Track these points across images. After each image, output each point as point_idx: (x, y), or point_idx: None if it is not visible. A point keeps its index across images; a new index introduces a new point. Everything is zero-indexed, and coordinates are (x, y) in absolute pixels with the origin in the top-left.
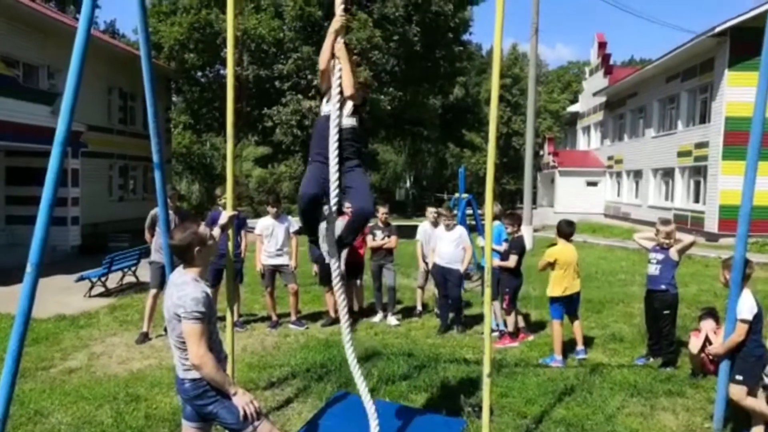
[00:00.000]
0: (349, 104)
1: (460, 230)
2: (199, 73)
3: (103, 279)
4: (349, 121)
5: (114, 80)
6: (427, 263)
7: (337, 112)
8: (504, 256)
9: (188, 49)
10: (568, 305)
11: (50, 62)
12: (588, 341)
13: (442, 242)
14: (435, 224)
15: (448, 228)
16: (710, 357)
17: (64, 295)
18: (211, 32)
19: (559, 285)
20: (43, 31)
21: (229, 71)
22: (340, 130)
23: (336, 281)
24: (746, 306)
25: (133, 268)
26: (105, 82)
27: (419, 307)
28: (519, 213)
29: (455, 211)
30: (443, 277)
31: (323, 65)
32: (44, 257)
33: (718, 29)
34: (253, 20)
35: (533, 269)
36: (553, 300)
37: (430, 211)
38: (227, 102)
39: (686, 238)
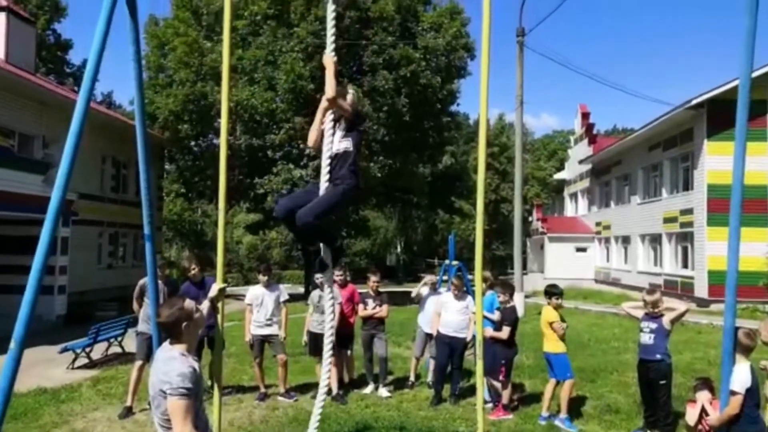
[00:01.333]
0: (342, 125)
1: (469, 299)
2: (193, 143)
3: (87, 350)
4: (341, 145)
5: (108, 149)
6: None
7: (330, 137)
8: (497, 326)
9: (182, 119)
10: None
11: (46, 132)
12: (583, 412)
13: (449, 311)
14: (434, 289)
15: (458, 297)
16: (708, 429)
17: (46, 366)
18: (206, 104)
19: None
20: (40, 102)
21: (222, 142)
22: (334, 155)
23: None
24: (739, 378)
25: (119, 338)
26: (99, 151)
27: (412, 378)
28: (511, 281)
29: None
30: (449, 346)
31: (312, 143)
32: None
33: (694, 101)
34: (247, 92)
35: (526, 337)
36: None
37: (430, 278)
38: (220, 172)
39: (679, 307)
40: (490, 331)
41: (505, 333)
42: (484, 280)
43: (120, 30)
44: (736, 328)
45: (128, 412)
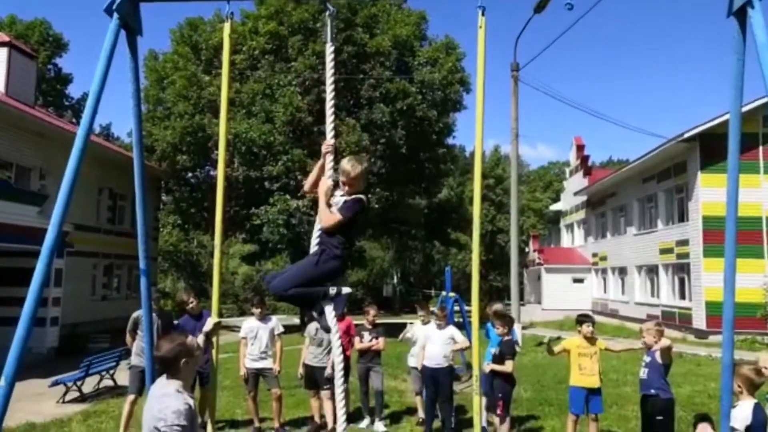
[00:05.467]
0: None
1: (451, 330)
2: (190, 174)
3: (78, 383)
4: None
5: (105, 181)
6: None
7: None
8: (497, 359)
9: (180, 151)
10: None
11: (43, 164)
12: None
13: (433, 343)
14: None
15: (440, 327)
16: None
17: (36, 401)
18: (203, 136)
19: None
20: (39, 134)
21: (220, 173)
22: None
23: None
24: (740, 416)
25: (111, 371)
26: (96, 182)
27: (421, 415)
28: (510, 314)
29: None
30: (434, 378)
31: (307, 189)
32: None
33: (687, 135)
34: (245, 125)
35: (524, 370)
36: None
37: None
38: (217, 204)
39: (662, 342)
40: (489, 365)
41: (509, 366)
42: (503, 316)
43: (120, 63)
44: (734, 364)
45: None
